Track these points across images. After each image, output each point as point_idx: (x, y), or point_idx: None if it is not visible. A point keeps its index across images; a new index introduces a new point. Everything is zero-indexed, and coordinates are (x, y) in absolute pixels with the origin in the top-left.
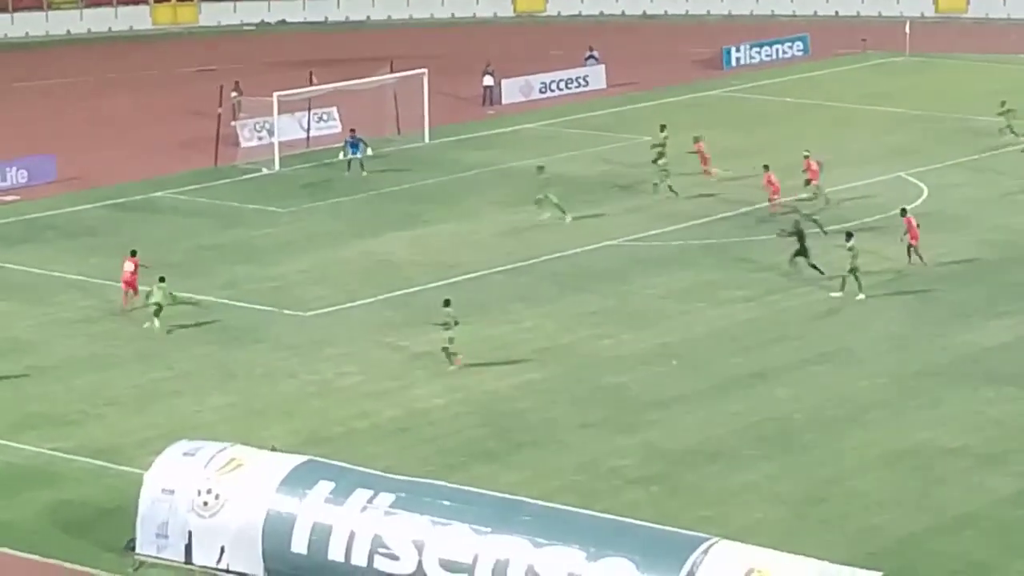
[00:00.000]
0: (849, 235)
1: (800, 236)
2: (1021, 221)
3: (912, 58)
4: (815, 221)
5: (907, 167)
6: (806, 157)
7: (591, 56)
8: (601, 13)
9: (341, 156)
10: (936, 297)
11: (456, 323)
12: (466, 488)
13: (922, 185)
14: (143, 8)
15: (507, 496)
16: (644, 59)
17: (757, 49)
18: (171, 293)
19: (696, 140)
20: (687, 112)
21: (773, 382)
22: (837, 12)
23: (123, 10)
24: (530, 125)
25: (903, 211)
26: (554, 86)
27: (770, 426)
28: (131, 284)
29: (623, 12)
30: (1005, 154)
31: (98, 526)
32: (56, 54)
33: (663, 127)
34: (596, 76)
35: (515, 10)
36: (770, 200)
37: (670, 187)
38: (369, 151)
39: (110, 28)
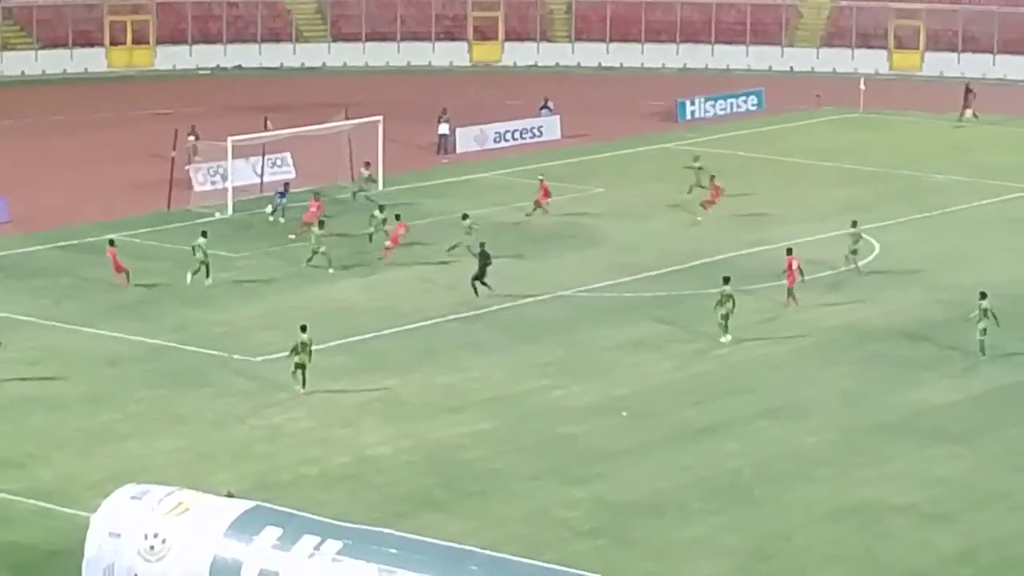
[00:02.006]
0: (726, 279)
1: (484, 259)
2: (971, 279)
3: (866, 115)
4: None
5: (860, 223)
6: (541, 180)
7: (545, 107)
8: (557, 64)
9: (269, 208)
10: (886, 354)
11: (308, 349)
12: (414, 536)
13: (874, 242)
14: (98, 50)
15: (455, 545)
16: (599, 110)
17: (712, 102)
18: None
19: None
20: (641, 164)
21: (723, 436)
22: (792, 67)
23: (78, 52)
24: (484, 174)
25: (788, 250)
26: (509, 136)
27: (719, 480)
28: (119, 268)
29: (579, 63)
30: (958, 212)
31: (45, 569)
32: (10, 95)
33: (367, 164)
34: (551, 127)
35: (471, 59)
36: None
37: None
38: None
39: (65, 70)
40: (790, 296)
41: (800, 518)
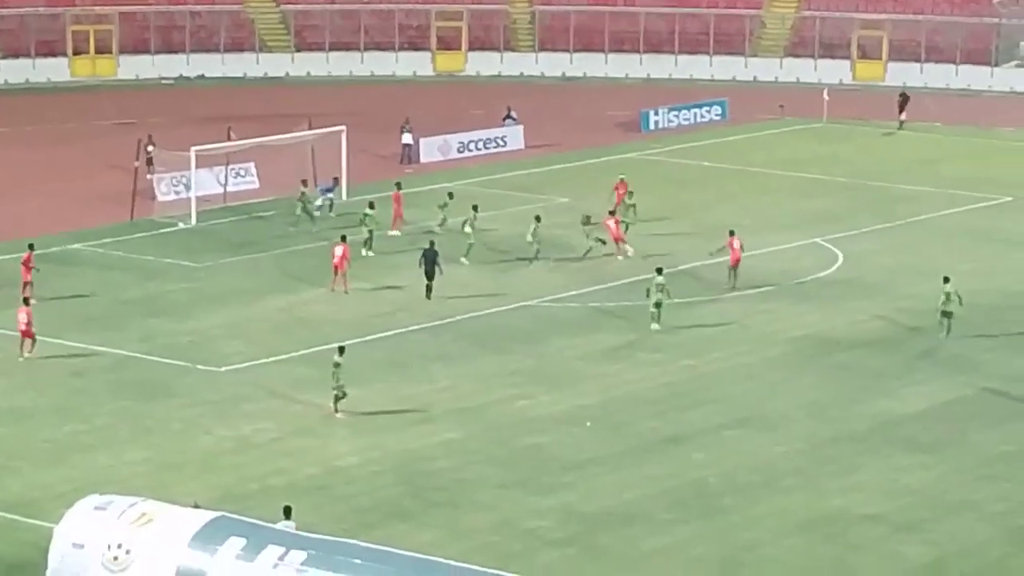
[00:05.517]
0: (659, 270)
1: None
2: (936, 288)
3: (830, 125)
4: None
5: (823, 233)
6: (622, 179)
7: (509, 117)
8: (521, 74)
9: (319, 202)
10: (852, 364)
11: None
12: (379, 547)
13: (838, 251)
14: (61, 60)
15: (421, 556)
16: (562, 121)
17: (675, 113)
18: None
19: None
20: (604, 174)
21: (690, 446)
22: (755, 78)
23: (41, 62)
24: (448, 184)
25: (731, 232)
26: (472, 146)
27: (686, 490)
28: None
29: (542, 73)
30: (922, 222)
31: None
32: None
33: (304, 182)
34: (514, 137)
35: (435, 69)
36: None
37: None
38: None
39: (27, 80)
40: (732, 275)
41: (769, 528)
